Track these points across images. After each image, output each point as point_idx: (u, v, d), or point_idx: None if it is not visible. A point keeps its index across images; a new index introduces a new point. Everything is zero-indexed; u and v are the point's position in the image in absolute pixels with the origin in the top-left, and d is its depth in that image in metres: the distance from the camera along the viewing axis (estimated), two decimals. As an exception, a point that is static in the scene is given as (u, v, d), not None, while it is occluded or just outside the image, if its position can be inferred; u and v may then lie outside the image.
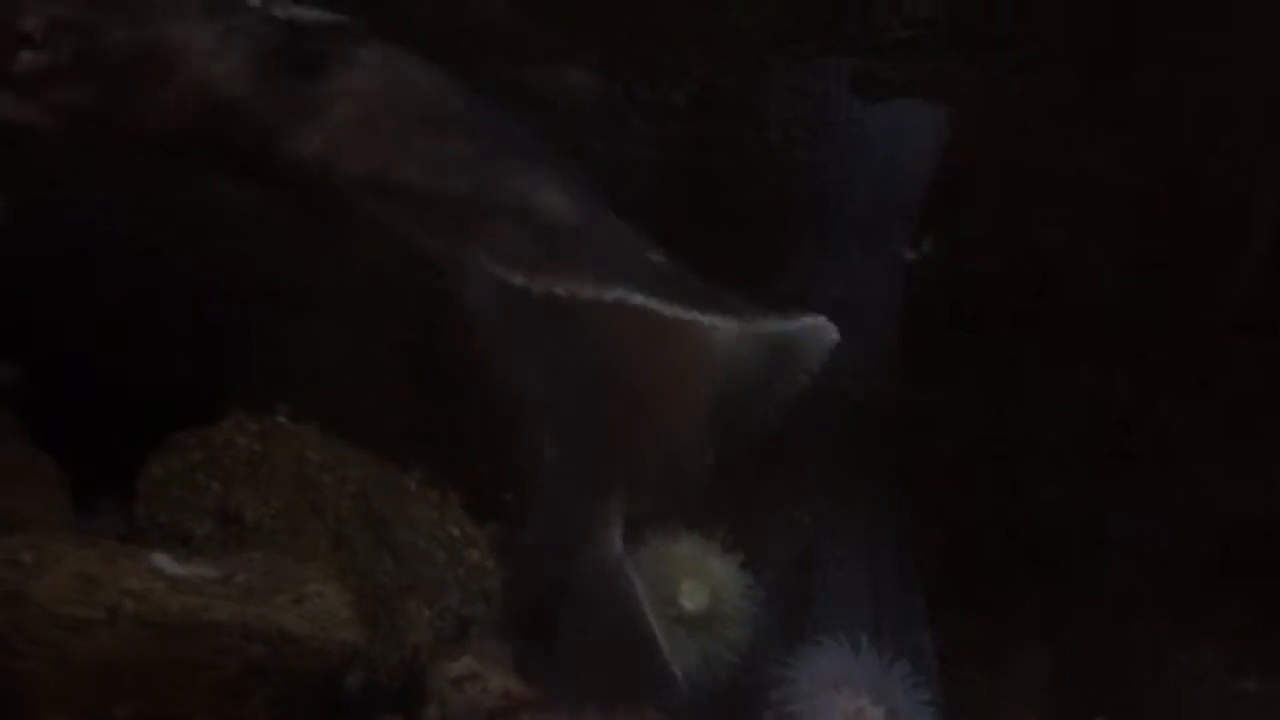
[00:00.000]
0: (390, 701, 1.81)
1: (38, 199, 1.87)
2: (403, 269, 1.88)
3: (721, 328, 1.60)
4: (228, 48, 1.56)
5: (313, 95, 1.57)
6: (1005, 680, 2.15)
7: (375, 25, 1.79)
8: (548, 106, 2.04)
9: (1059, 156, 2.10)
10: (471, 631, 1.93)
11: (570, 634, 1.80)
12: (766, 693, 2.04)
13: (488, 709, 1.85)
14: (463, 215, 1.59)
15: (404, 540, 1.90)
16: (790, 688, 2.04)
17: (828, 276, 2.14)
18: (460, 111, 1.67)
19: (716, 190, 2.15)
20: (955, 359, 2.15)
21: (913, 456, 2.16)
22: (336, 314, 2.06)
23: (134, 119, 1.53)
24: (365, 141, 1.58)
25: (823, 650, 2.05)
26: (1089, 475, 2.13)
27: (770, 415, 1.75)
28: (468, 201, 1.60)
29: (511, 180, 1.64)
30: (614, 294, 1.53)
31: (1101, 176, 2.10)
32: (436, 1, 2.02)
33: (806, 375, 1.70)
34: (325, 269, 2.03)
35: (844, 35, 2.13)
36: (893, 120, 2.16)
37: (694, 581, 2.06)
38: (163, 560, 1.62)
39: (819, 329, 1.68)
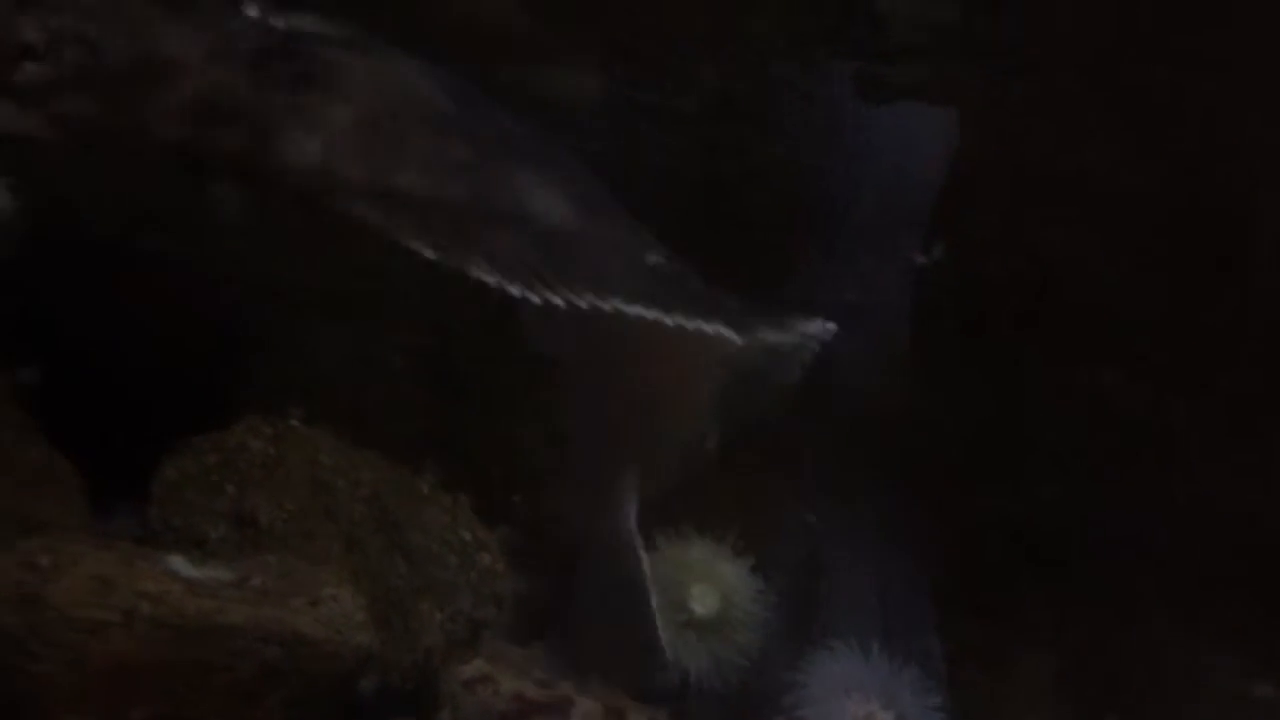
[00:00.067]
0: (403, 704, 1.82)
1: (53, 202, 1.87)
2: (414, 272, 1.89)
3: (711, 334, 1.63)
4: (227, 56, 1.58)
5: (311, 102, 1.59)
6: (1011, 684, 2.15)
7: (378, 28, 1.81)
8: (555, 109, 2.04)
9: (1065, 160, 2.11)
10: (483, 635, 1.94)
11: (576, 600, 1.86)
12: (777, 697, 2.05)
13: (500, 711, 1.86)
14: (461, 221, 1.61)
15: (416, 544, 1.90)
16: (801, 692, 2.05)
17: (837, 281, 2.15)
18: (458, 116, 1.69)
19: (725, 195, 2.16)
20: (962, 362, 2.16)
21: (920, 460, 2.17)
22: (349, 318, 2.07)
23: (135, 127, 1.56)
24: (363, 148, 1.60)
25: (833, 655, 2.06)
26: (1095, 478, 2.14)
27: (766, 405, 1.78)
28: (466, 207, 1.62)
29: (509, 185, 1.66)
30: (611, 304, 1.55)
31: (1107, 179, 2.10)
32: (444, 5, 2.03)
33: (801, 369, 1.74)
34: (337, 273, 2.03)
35: (851, 40, 2.13)
36: (901, 125, 2.17)
37: (705, 586, 2.07)
38: (178, 563, 1.62)
39: (815, 332, 1.72)
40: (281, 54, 1.61)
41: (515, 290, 1.58)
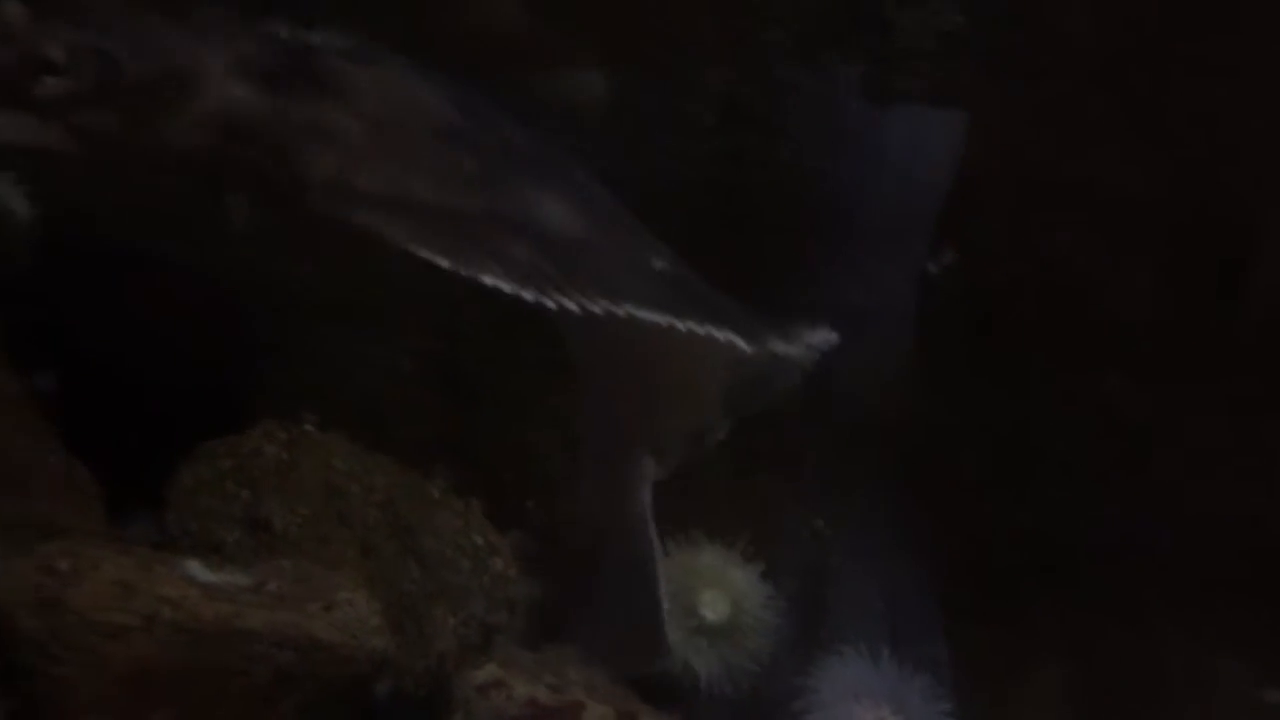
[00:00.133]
0: (417, 709, 1.82)
1: (70, 209, 1.88)
2: (425, 278, 1.90)
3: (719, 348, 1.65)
4: (244, 71, 1.60)
5: (327, 116, 1.62)
6: (1020, 690, 2.16)
7: (389, 37, 1.82)
8: (563, 116, 2.05)
9: (1074, 166, 2.11)
10: (495, 640, 1.94)
11: (586, 580, 1.89)
12: (787, 703, 2.06)
13: (512, 716, 1.86)
14: (474, 230, 1.63)
15: (430, 548, 1.91)
16: (811, 698, 2.06)
17: (846, 287, 2.16)
18: (464, 127, 1.71)
19: (733, 200, 2.17)
20: (971, 369, 2.16)
21: (929, 466, 2.17)
22: (362, 324, 2.08)
23: (154, 141, 1.58)
24: (377, 160, 1.62)
25: (843, 661, 2.07)
26: (1104, 484, 2.14)
27: (764, 406, 1.80)
28: (478, 216, 1.64)
29: (518, 194, 1.68)
30: (624, 309, 1.58)
31: (1115, 185, 2.11)
32: (455, 12, 2.04)
33: (801, 375, 1.77)
34: (349, 279, 2.05)
35: (860, 46, 2.14)
36: (909, 131, 2.17)
37: (715, 592, 2.07)
38: (196, 568, 1.63)
39: (819, 342, 1.75)
40: (296, 68, 1.64)
41: (529, 296, 1.60)
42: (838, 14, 2.13)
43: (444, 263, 1.57)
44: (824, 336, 1.81)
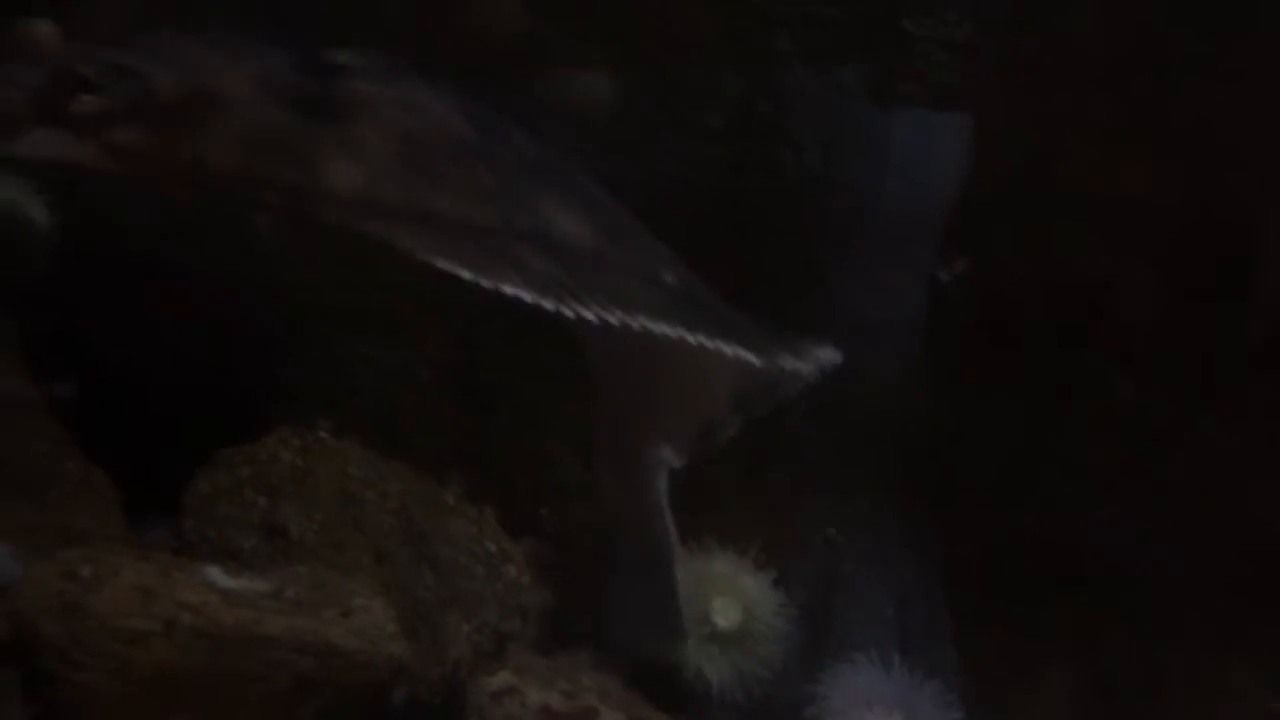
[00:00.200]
0: (432, 716, 1.83)
1: (88, 217, 1.90)
2: (441, 286, 1.91)
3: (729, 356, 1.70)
4: (270, 91, 1.63)
5: (350, 133, 1.65)
6: (1032, 698, 2.16)
7: (396, 42, 1.84)
8: (578, 123, 2.07)
9: (1097, 176, 2.12)
10: (509, 647, 1.95)
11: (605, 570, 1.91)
12: (799, 710, 2.07)
13: (526, 723, 1.87)
14: (494, 243, 1.65)
15: (444, 555, 1.91)
16: (822, 705, 2.06)
17: (858, 294, 2.17)
18: (483, 141, 1.74)
19: (745, 209, 2.18)
20: (983, 377, 2.17)
21: (941, 474, 2.18)
22: (378, 332, 2.09)
23: (185, 158, 1.61)
24: (401, 175, 1.65)
25: (854, 668, 2.07)
26: (1118, 491, 2.15)
27: (764, 413, 1.85)
28: (497, 230, 1.67)
29: (534, 208, 1.71)
30: (638, 321, 1.61)
31: (1139, 196, 2.11)
32: (458, 13, 2.05)
33: (803, 387, 1.80)
34: (365, 287, 2.06)
35: (878, 57, 2.15)
36: (923, 141, 2.18)
37: (727, 599, 2.08)
38: (215, 574, 1.64)
39: (826, 359, 1.79)
40: (319, 87, 1.67)
41: (549, 305, 1.62)
42: (854, 24, 2.14)
43: (467, 274, 1.59)
44: (830, 355, 1.84)
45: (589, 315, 1.63)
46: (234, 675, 1.57)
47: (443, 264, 1.59)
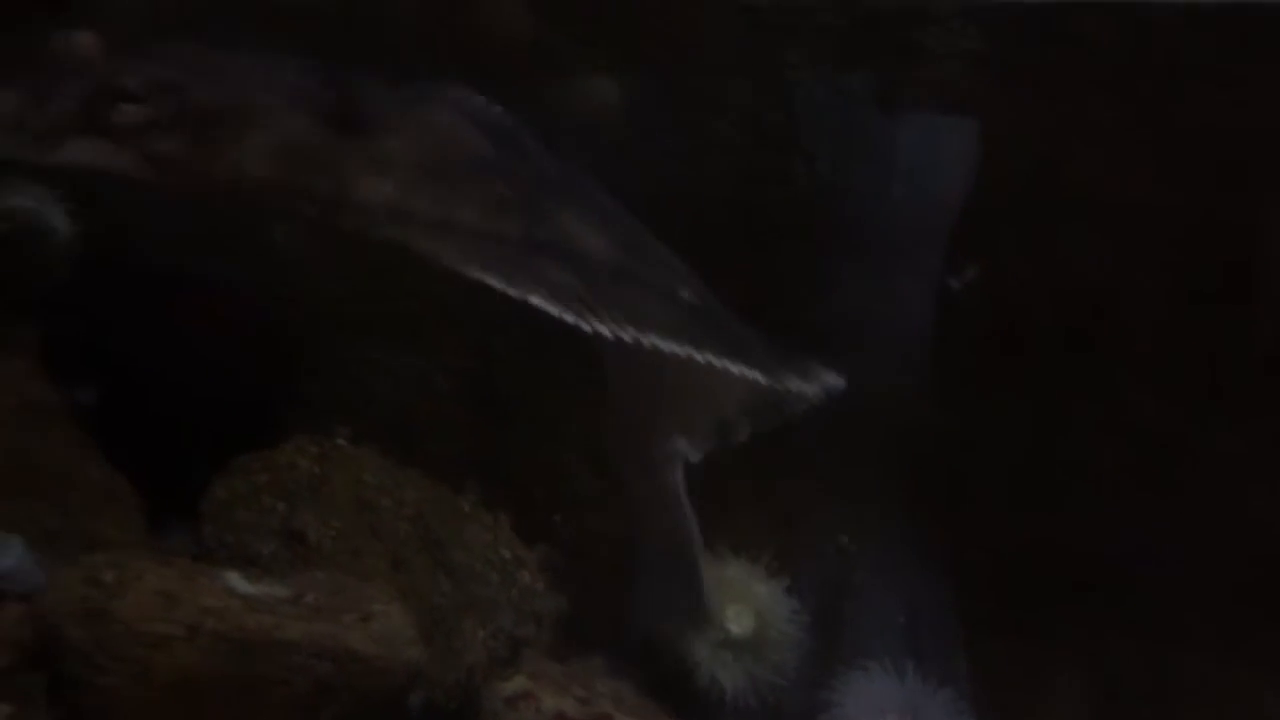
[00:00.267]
0: (448, 721, 1.84)
1: (110, 226, 1.91)
2: (458, 295, 1.93)
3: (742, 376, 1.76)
4: (302, 106, 1.67)
5: (378, 146, 1.68)
6: (1045, 705, 2.16)
7: (402, 45, 1.87)
8: (579, 125, 2.08)
9: (1105, 182, 2.13)
10: (523, 653, 1.96)
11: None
12: (812, 717, 2.07)
13: (542, 729, 1.88)
14: (518, 254, 1.68)
15: (460, 562, 1.92)
16: (835, 712, 2.07)
17: (868, 302, 2.18)
18: (503, 156, 1.77)
19: (755, 218, 2.19)
20: (994, 384, 2.18)
21: (953, 482, 2.19)
22: (396, 340, 2.10)
23: (222, 169, 1.64)
24: (428, 187, 1.68)
25: (867, 675, 2.08)
26: (1129, 499, 2.15)
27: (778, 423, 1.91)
28: (519, 241, 1.70)
29: (554, 221, 1.74)
30: (650, 339, 1.64)
31: (1148, 201, 2.12)
32: (464, 18, 2.07)
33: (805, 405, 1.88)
34: (383, 296, 2.07)
35: (886, 65, 2.16)
36: (932, 150, 2.19)
37: (740, 606, 2.09)
38: (235, 579, 1.65)
39: (832, 383, 1.82)
40: (349, 102, 1.70)
41: (571, 318, 1.65)
42: (862, 34, 2.15)
43: (494, 283, 1.62)
44: (835, 380, 1.88)
45: (604, 331, 1.67)
46: (255, 679, 1.58)
47: (472, 273, 1.62)
